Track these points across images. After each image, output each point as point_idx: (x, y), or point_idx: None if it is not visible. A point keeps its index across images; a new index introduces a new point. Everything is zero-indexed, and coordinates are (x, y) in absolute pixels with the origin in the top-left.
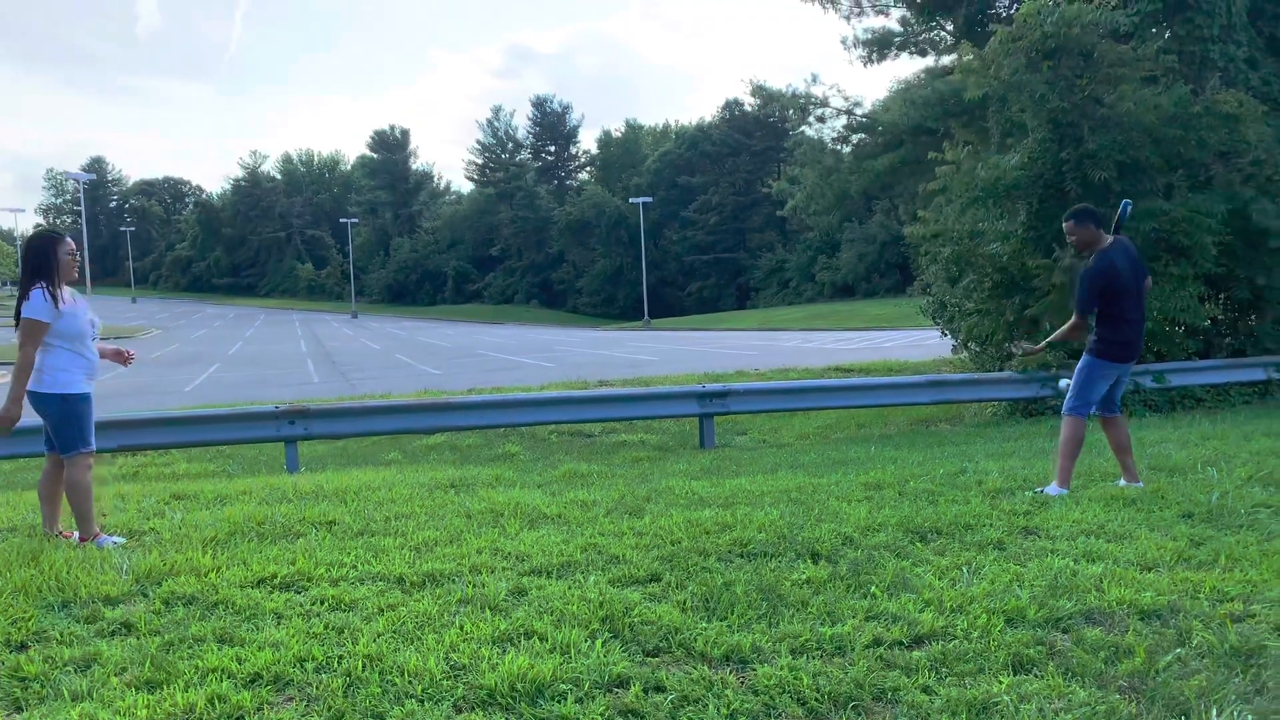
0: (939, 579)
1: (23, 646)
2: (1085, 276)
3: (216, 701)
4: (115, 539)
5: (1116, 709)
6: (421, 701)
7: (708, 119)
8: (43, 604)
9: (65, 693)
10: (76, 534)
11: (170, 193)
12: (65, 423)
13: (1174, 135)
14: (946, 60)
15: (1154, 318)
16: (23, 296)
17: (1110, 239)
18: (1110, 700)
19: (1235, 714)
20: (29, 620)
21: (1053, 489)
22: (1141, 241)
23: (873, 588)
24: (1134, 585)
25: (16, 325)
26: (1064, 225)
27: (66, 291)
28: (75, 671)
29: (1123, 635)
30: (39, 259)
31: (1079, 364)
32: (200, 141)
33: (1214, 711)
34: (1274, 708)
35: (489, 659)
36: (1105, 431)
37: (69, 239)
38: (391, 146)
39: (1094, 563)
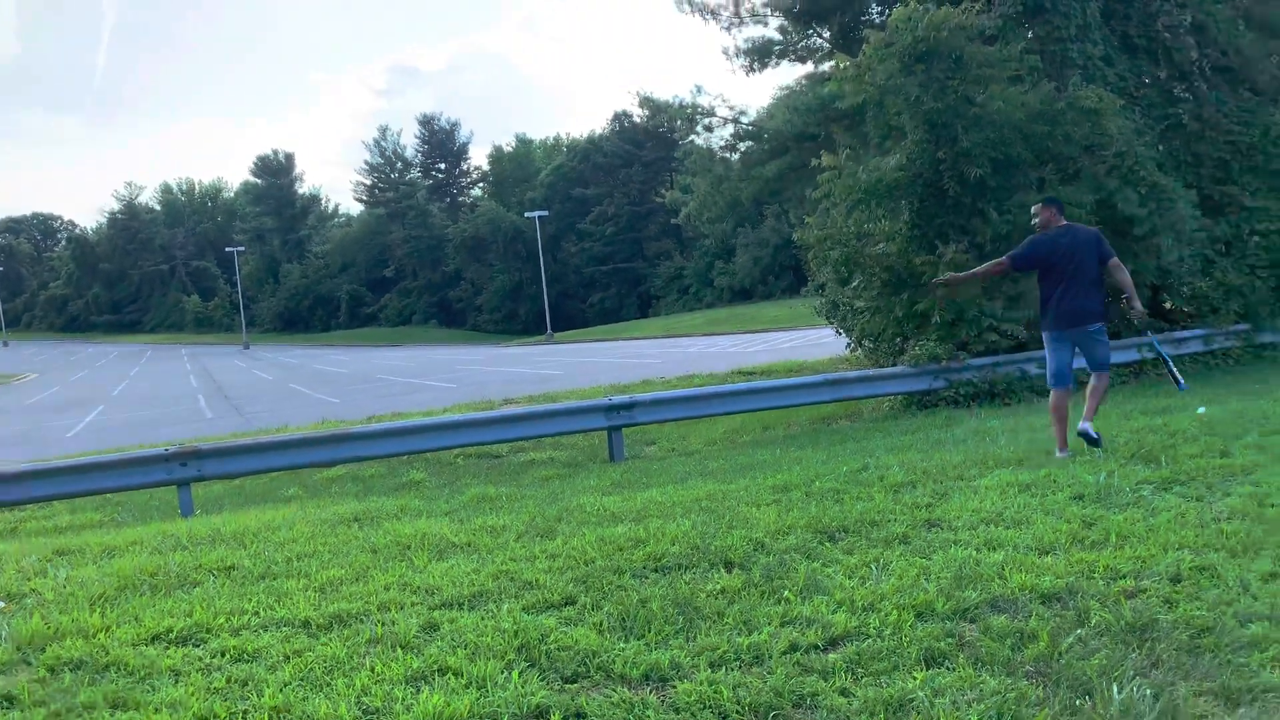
0: (849, 578)
1: None
2: (1029, 239)
3: None
4: None
5: (1025, 694)
6: None
7: (598, 131)
8: None
9: None
10: None
11: (40, 229)
12: None
13: (1042, 131)
14: (825, 66)
15: (1034, 305)
16: None
17: (1064, 223)
18: (1019, 686)
19: (1135, 689)
20: None
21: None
22: (1018, 235)
23: (786, 592)
24: (1034, 570)
25: None
26: (1033, 209)
27: None
28: None
29: (1027, 621)
30: None
31: None
32: (70, 175)
33: (1115, 688)
34: (1169, 679)
35: (403, 700)
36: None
37: None
38: (275, 171)
39: (995, 550)
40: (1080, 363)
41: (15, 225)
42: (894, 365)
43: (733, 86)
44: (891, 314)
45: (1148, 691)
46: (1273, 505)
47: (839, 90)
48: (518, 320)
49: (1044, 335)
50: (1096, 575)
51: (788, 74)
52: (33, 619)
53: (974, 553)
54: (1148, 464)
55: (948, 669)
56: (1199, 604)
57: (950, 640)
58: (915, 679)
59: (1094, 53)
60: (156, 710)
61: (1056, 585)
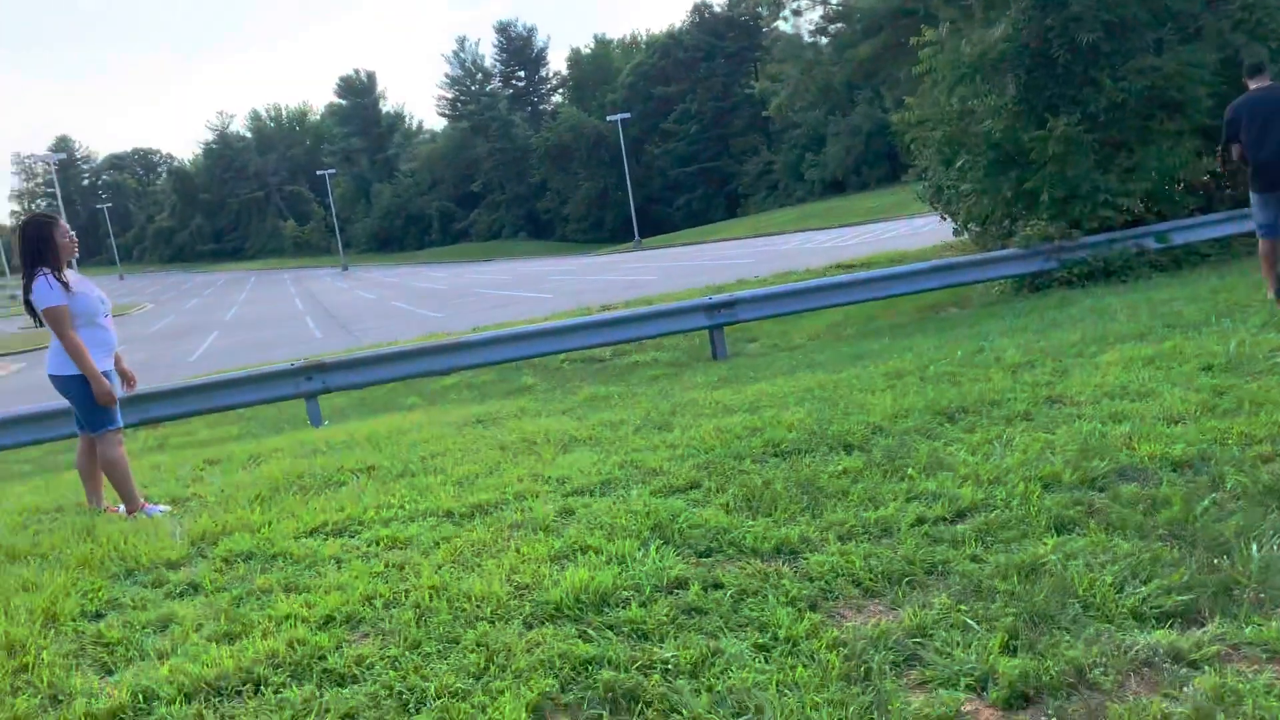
0: (972, 455)
1: (99, 615)
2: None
3: (296, 645)
4: (161, 508)
5: (1160, 555)
6: (492, 622)
7: (678, 25)
8: (108, 574)
9: (151, 652)
10: (122, 507)
11: (142, 164)
12: (88, 404)
13: None
14: None
15: (1152, 178)
16: (29, 284)
17: (1255, 87)
18: (1153, 548)
19: (1275, 548)
20: (99, 591)
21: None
22: (1135, 102)
23: (909, 470)
24: (1163, 439)
25: (30, 313)
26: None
27: (71, 273)
28: (155, 632)
29: (1158, 488)
30: (37, 245)
31: None
32: (165, 108)
33: (1254, 547)
34: None
35: (550, 576)
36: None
37: (63, 220)
38: (359, 91)
39: (1121, 423)
40: None
41: (119, 161)
42: (1003, 248)
43: None
44: (1000, 194)
45: None
46: None
47: None
48: (605, 228)
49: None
50: (1230, 442)
51: None
52: (200, 519)
53: (1099, 425)
54: None
55: (1079, 535)
56: None
57: (1080, 508)
58: (1046, 545)
59: None
60: (327, 592)
61: (1188, 453)
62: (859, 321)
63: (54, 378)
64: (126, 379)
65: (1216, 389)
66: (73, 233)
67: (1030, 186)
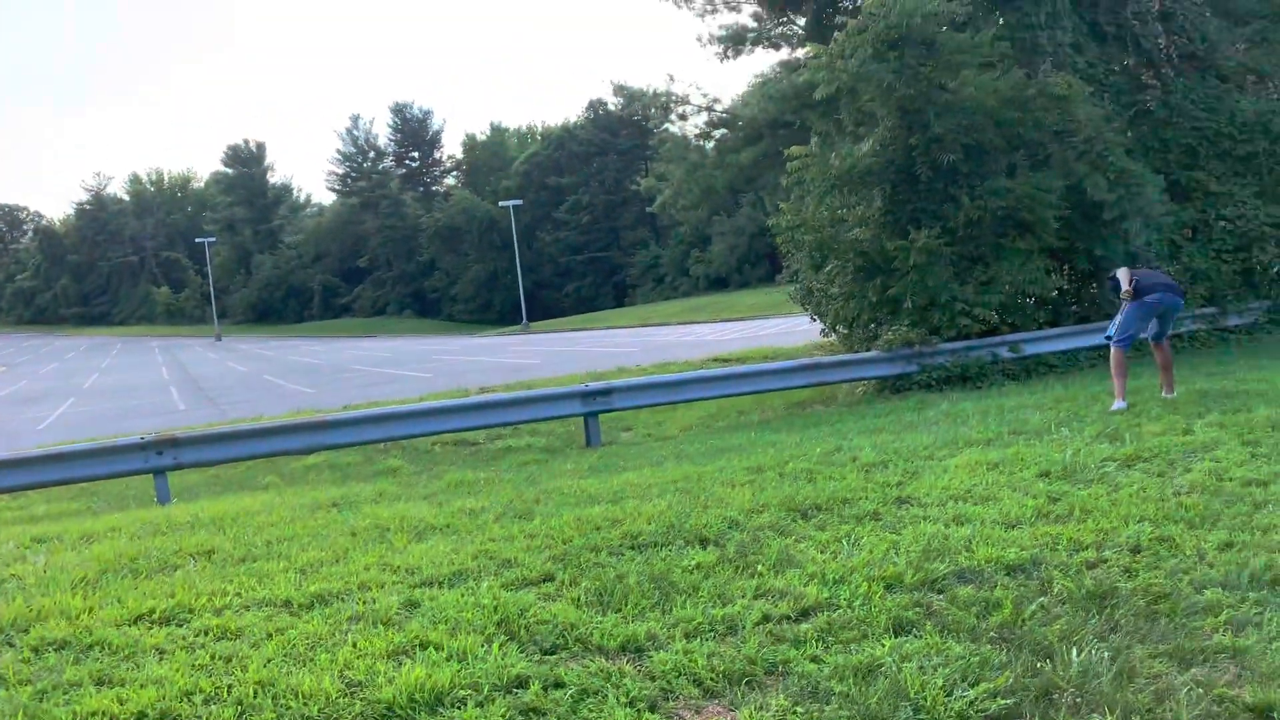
0: (821, 553)
1: None
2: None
3: None
4: None
5: (989, 659)
6: None
7: (573, 119)
8: None
9: None
10: None
11: (6, 220)
12: None
13: (1013, 117)
14: (800, 53)
15: (1006, 291)
16: None
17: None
18: (983, 651)
19: (1093, 653)
20: None
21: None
22: (990, 219)
23: (759, 567)
24: (1000, 543)
25: None
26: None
27: None
28: None
29: (992, 590)
30: None
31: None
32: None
33: (1075, 652)
34: (1127, 643)
35: (385, 673)
36: None
37: None
38: (247, 161)
39: (963, 525)
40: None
41: None
42: (868, 350)
43: (707, 74)
44: (865, 299)
45: (1105, 654)
46: (1230, 479)
47: (813, 78)
48: (493, 310)
49: None
50: (1060, 547)
51: (762, 61)
52: (15, 602)
53: (943, 528)
54: (1113, 442)
55: (915, 636)
56: (1157, 572)
57: (918, 610)
58: (884, 646)
59: (1063, 40)
60: (142, 686)
61: (1021, 557)
62: (730, 415)
63: None
64: None
65: (1051, 495)
66: None
67: (893, 293)
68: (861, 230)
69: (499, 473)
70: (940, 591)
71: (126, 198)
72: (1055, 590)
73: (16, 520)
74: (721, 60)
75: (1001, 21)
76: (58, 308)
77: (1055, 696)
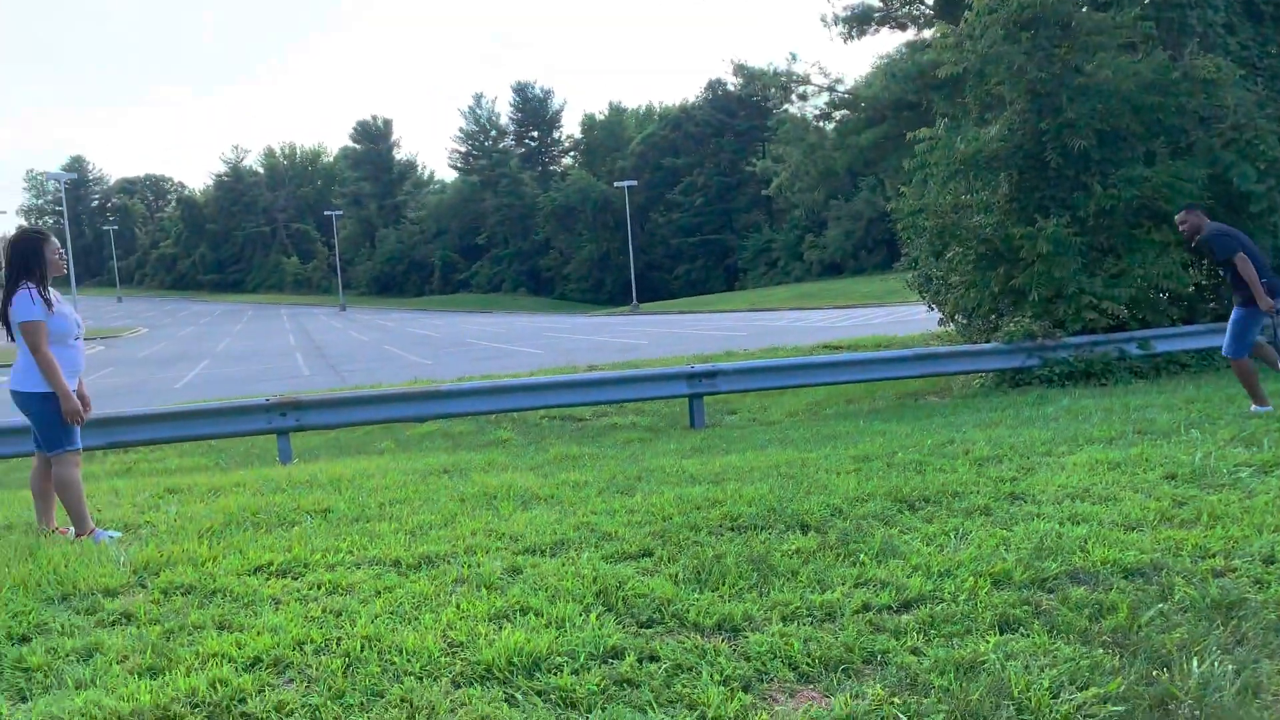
0: (926, 545)
1: (24, 639)
2: (1216, 237)
3: (218, 685)
4: (111, 533)
5: (1100, 663)
6: (420, 678)
7: (691, 100)
8: (42, 598)
9: (69, 681)
10: (72, 530)
11: (153, 190)
12: (49, 421)
13: (1153, 102)
14: (926, 34)
15: (1137, 285)
16: (9, 296)
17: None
18: (1094, 655)
19: (1215, 665)
20: (29, 614)
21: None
22: (1124, 209)
23: (861, 555)
24: (1118, 545)
25: (4, 324)
26: (1177, 218)
27: (53, 292)
28: (78, 661)
29: (1106, 593)
30: (26, 259)
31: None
32: (181, 138)
33: (1195, 662)
34: (1253, 658)
35: (485, 635)
36: None
37: (54, 237)
38: (374, 137)
39: (1079, 525)
40: None
41: (130, 186)
42: (987, 342)
43: (829, 55)
44: (987, 289)
45: (1229, 667)
46: None
47: (939, 58)
48: (604, 290)
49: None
50: (1184, 553)
51: (887, 41)
52: (148, 547)
53: (1057, 526)
54: (1248, 447)
55: (1022, 635)
56: None
57: (1026, 608)
58: (988, 643)
59: (1214, 19)
60: (259, 633)
61: (1141, 560)
62: (838, 403)
63: (16, 394)
64: (83, 403)
65: (1177, 499)
66: (62, 251)
67: (1017, 283)
68: (985, 217)
69: (603, 449)
70: (1051, 591)
71: (261, 170)
72: (1176, 597)
73: (152, 471)
74: (845, 40)
75: (1147, 0)
76: (196, 274)
77: (1171, 707)
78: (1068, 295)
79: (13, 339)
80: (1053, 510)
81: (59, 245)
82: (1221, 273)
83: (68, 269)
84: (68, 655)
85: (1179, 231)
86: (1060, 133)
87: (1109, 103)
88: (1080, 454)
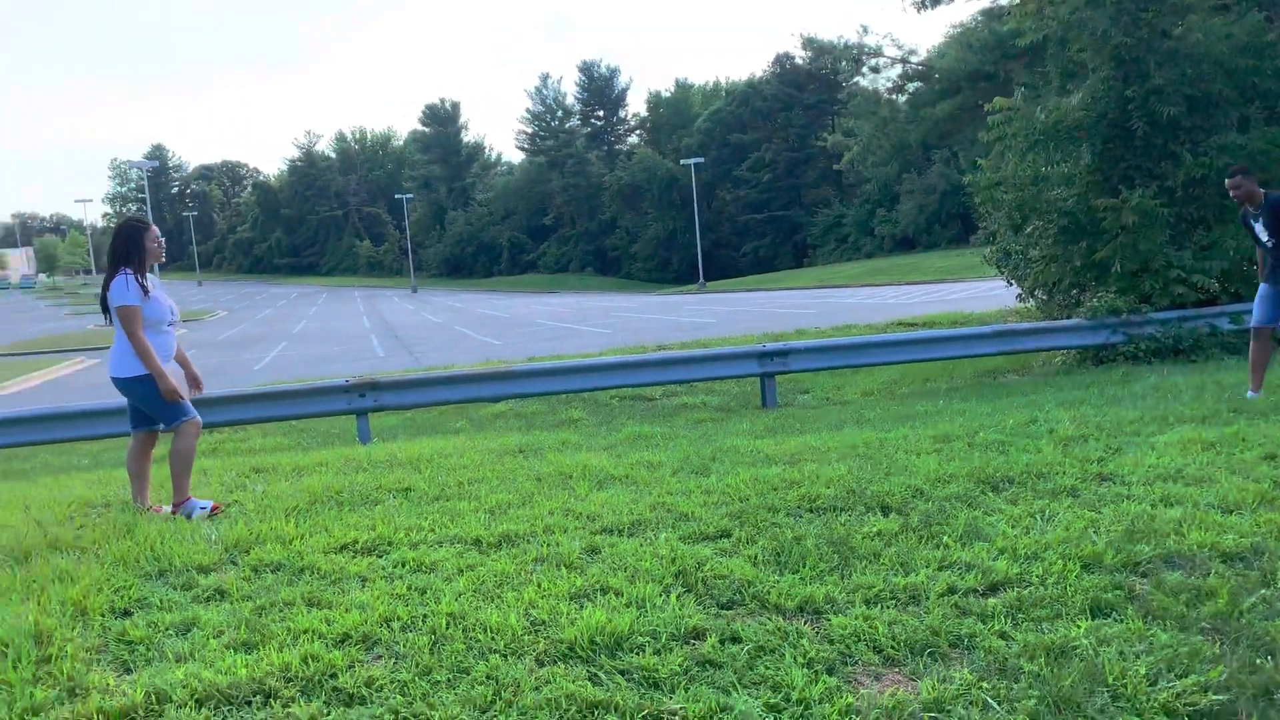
0: (1012, 527)
1: (126, 613)
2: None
3: (310, 660)
4: (204, 504)
5: (1199, 650)
6: (504, 656)
7: (758, 74)
8: (141, 573)
9: (170, 654)
10: (166, 508)
11: (229, 176)
12: (156, 400)
13: (1247, 66)
14: (1003, 0)
15: (1230, 257)
16: (109, 281)
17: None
18: (1193, 642)
19: None
20: (130, 588)
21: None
22: (1215, 179)
23: (945, 538)
24: (1215, 528)
25: (104, 309)
26: (1229, 182)
27: (152, 278)
28: (177, 635)
29: (1204, 578)
30: (128, 246)
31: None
32: (255, 124)
33: None
34: None
35: (567, 614)
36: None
37: (155, 226)
38: (443, 120)
39: (1172, 507)
40: None
41: (208, 172)
42: (1068, 318)
43: (901, 26)
44: (1069, 263)
45: None
46: None
47: (1019, 26)
48: (671, 269)
49: None
50: None
51: (962, 10)
52: (237, 526)
53: (1148, 508)
54: None
55: (1115, 620)
56: None
57: (1118, 592)
58: (1079, 627)
59: None
60: (347, 610)
61: (1240, 544)
62: (915, 381)
63: (117, 379)
64: (195, 382)
65: (1278, 480)
66: (162, 239)
67: (1101, 257)
68: (1066, 189)
69: (675, 428)
70: (1144, 575)
71: (333, 155)
72: None
73: (237, 451)
74: (919, 10)
75: None
76: (272, 258)
77: (1277, 696)
78: (1155, 269)
79: (111, 323)
80: (1143, 492)
81: (159, 234)
82: (1271, 243)
83: (164, 256)
84: (167, 629)
85: (1228, 195)
86: (1147, 100)
87: (1199, 68)
88: (1171, 433)
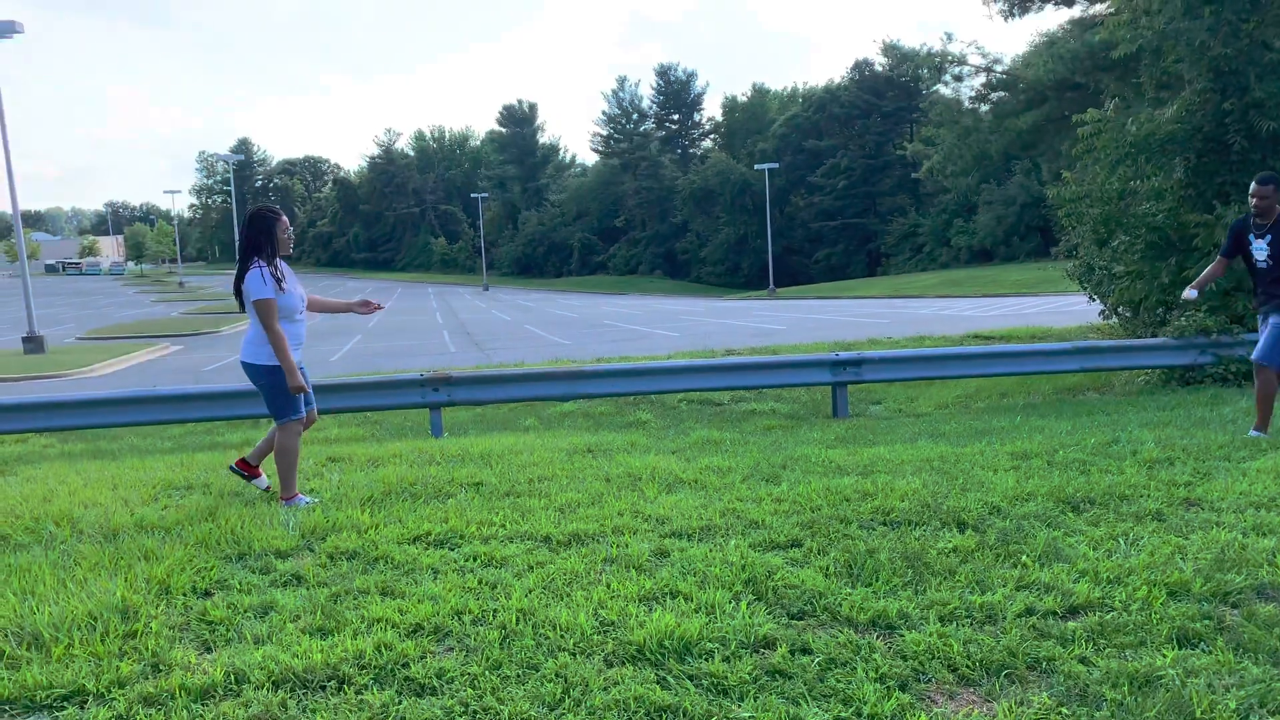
0: (1093, 550)
1: (207, 594)
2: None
3: (383, 649)
4: (309, 499)
5: None
6: (574, 655)
7: (837, 80)
8: (221, 555)
9: (248, 636)
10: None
11: (311, 171)
12: (277, 393)
13: None
14: (1095, 9)
15: None
16: (243, 272)
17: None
18: None
19: None
20: (211, 570)
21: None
22: None
23: (1023, 557)
24: None
25: (238, 298)
26: (1260, 189)
27: (285, 268)
28: (255, 617)
29: None
30: (259, 236)
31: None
32: (338, 122)
33: None
34: None
35: (636, 616)
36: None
37: (285, 216)
38: (519, 121)
39: (1265, 536)
40: None
41: (290, 167)
42: (1153, 336)
43: (986, 34)
44: (1156, 280)
45: None
46: None
47: (1112, 36)
48: (740, 274)
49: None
50: None
51: (1050, 19)
52: (314, 514)
53: (1240, 536)
54: None
55: (1204, 651)
56: None
57: (1208, 623)
58: (1166, 657)
59: None
60: (419, 601)
61: None
62: (991, 396)
63: (247, 365)
64: (367, 304)
65: None
66: (290, 230)
67: (1190, 275)
68: (1156, 204)
69: (744, 434)
70: (1235, 606)
71: (412, 153)
72: None
73: (313, 441)
74: (1006, 18)
75: None
76: (350, 252)
77: None
78: (1249, 288)
79: (243, 310)
80: (1234, 519)
81: (289, 224)
82: (1266, 266)
83: (230, 247)
84: (246, 611)
85: (1252, 204)
86: (1246, 113)
87: None
88: (1264, 459)
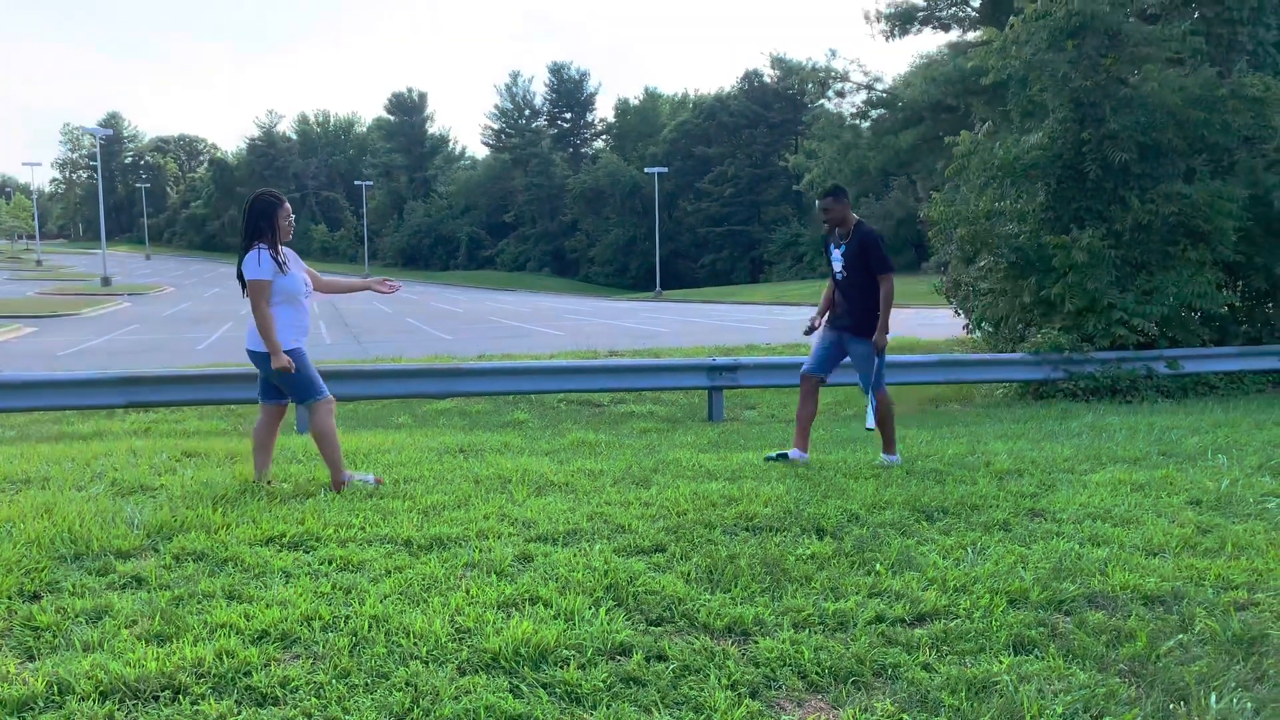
0: (943, 558)
1: (35, 597)
2: (880, 240)
3: (224, 656)
4: (365, 477)
5: (1116, 692)
6: (426, 663)
7: (727, 89)
8: (55, 555)
9: (77, 643)
10: (363, 476)
11: (186, 150)
12: (293, 376)
13: (1198, 118)
14: (971, 36)
15: (1169, 303)
16: (243, 256)
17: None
18: (1110, 683)
19: (1234, 701)
20: (42, 571)
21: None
22: (1160, 225)
23: (877, 565)
24: (1138, 570)
25: (240, 282)
26: (821, 202)
27: (289, 252)
28: (86, 623)
29: (1125, 619)
30: (260, 221)
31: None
32: (217, 100)
33: (1213, 697)
34: (1274, 695)
35: (494, 623)
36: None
37: (287, 203)
38: (409, 109)
39: (1099, 546)
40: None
41: (163, 145)
42: (1013, 351)
43: (869, 53)
44: (1017, 298)
45: (1249, 704)
46: None
47: (982, 63)
48: (628, 275)
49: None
50: (1206, 583)
51: (929, 41)
52: (162, 510)
53: (1076, 546)
54: (1275, 476)
55: (1037, 657)
56: None
57: (1042, 630)
58: (1002, 663)
59: (1266, 38)
60: (268, 606)
61: (1161, 588)
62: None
63: (252, 353)
64: (383, 284)
65: (1201, 526)
66: (293, 216)
67: (1048, 294)
68: (1019, 225)
69: (620, 437)
70: (1068, 614)
71: (294, 137)
72: (1197, 629)
73: (171, 433)
74: (887, 38)
75: (1198, 15)
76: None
77: None
78: (1099, 309)
79: (246, 296)
80: (1073, 530)
81: (290, 211)
82: (843, 276)
83: (95, 227)
84: (77, 616)
85: (1172, 242)
86: (1102, 144)
87: (1153, 116)
88: (1103, 473)
